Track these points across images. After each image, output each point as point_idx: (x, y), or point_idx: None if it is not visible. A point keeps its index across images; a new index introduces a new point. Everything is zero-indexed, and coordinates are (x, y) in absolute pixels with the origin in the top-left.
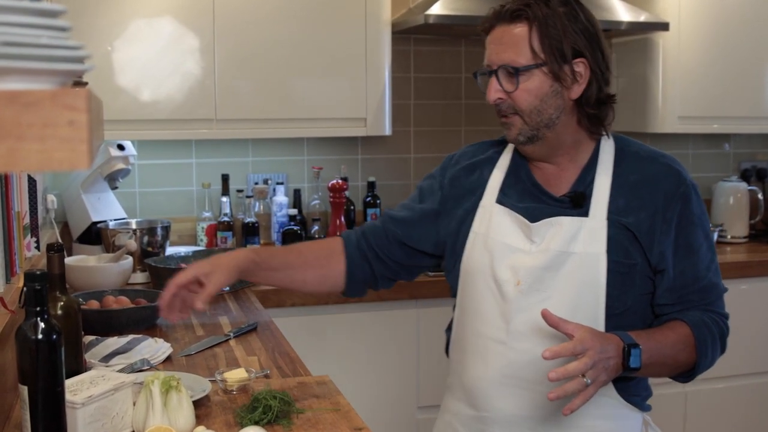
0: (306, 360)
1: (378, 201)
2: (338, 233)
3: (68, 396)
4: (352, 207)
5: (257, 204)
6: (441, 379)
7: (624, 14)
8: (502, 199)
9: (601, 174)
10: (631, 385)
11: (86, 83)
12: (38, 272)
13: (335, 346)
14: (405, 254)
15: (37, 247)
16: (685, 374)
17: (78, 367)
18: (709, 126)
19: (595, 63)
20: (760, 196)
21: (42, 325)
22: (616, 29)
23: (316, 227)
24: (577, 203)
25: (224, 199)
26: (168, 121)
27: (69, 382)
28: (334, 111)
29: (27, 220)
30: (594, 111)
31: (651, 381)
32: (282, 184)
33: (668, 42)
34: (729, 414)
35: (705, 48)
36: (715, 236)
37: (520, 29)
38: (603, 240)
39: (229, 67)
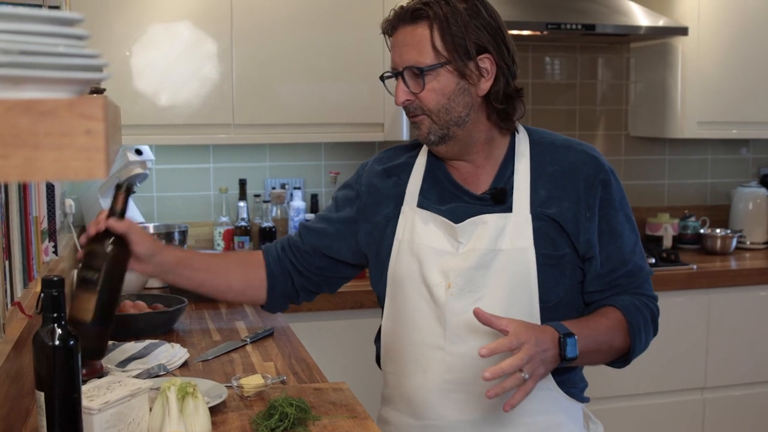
0: (322, 365)
1: None
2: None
3: (85, 402)
4: None
5: (274, 209)
6: None
7: (643, 19)
8: (423, 203)
9: (520, 168)
10: (569, 377)
11: (104, 90)
12: (55, 278)
13: (351, 352)
14: (326, 265)
15: (55, 252)
16: (621, 359)
17: (111, 308)
18: (728, 131)
19: (500, 58)
20: None
21: (59, 331)
22: (634, 34)
23: None
24: (498, 199)
25: (241, 203)
26: (186, 125)
27: (85, 388)
28: (351, 116)
29: (45, 224)
30: (503, 106)
31: (679, 387)
32: (299, 188)
33: (687, 47)
34: (748, 421)
35: (724, 53)
36: (734, 242)
37: (421, 29)
38: (529, 234)
39: (247, 72)
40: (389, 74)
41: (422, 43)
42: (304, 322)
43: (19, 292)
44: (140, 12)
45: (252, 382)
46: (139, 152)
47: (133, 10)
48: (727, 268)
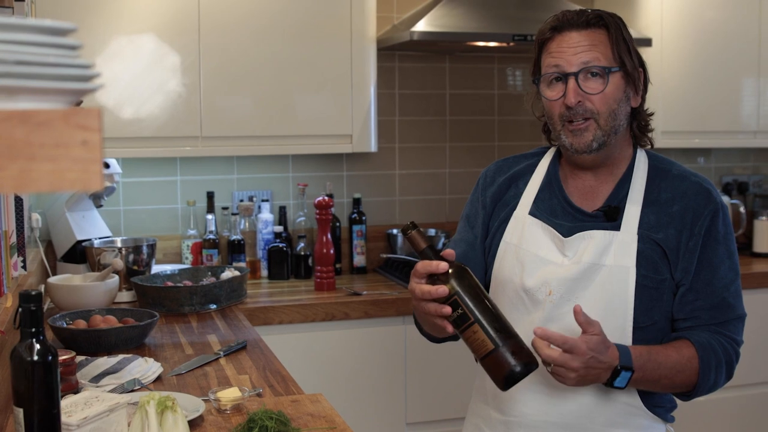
0: (295, 378)
1: (363, 218)
2: (324, 250)
3: (63, 418)
4: (337, 224)
5: (242, 221)
6: (429, 395)
7: None
8: (535, 212)
9: (635, 190)
10: (656, 396)
11: (81, 102)
12: (33, 293)
13: (322, 364)
14: None
15: (24, 267)
16: (685, 394)
17: (499, 323)
18: (690, 140)
19: (647, 71)
20: (741, 209)
21: (37, 346)
22: None
23: (302, 244)
24: (610, 217)
25: (209, 216)
26: (153, 138)
27: (64, 404)
28: (320, 128)
29: (14, 239)
30: (645, 121)
31: None
32: (267, 201)
33: (651, 58)
34: (716, 426)
35: (687, 63)
36: None
37: (598, 34)
38: (633, 254)
39: (214, 85)
40: (556, 74)
41: (602, 45)
42: (276, 334)
43: None
44: (108, 24)
45: (229, 395)
46: (106, 165)
47: (100, 22)
48: None
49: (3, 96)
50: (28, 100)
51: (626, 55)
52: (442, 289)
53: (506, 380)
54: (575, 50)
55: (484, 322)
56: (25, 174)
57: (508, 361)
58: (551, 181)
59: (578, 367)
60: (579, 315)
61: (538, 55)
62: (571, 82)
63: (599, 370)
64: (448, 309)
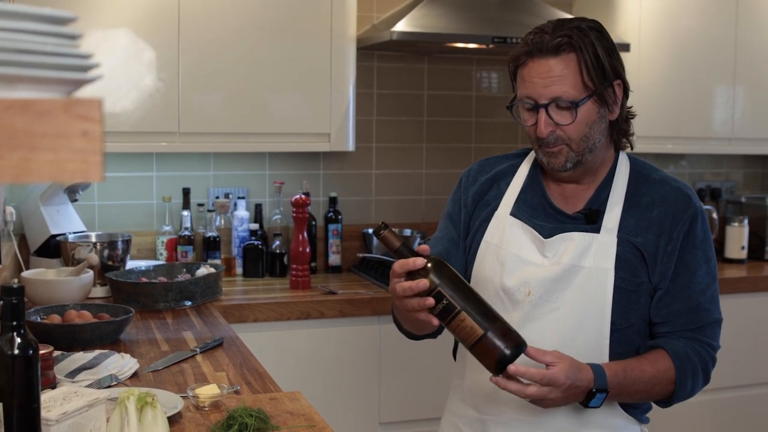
0: (271, 375)
1: (339, 217)
2: (301, 249)
3: (42, 413)
4: (313, 222)
5: (218, 218)
6: (402, 395)
7: None
8: (516, 213)
9: (616, 193)
10: None
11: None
12: (15, 285)
13: (297, 362)
14: None
15: None
16: (663, 401)
17: (484, 308)
18: (663, 146)
19: (625, 80)
20: (714, 215)
21: (18, 340)
22: None
23: (278, 242)
24: (591, 220)
25: (185, 212)
26: (130, 133)
27: (43, 399)
28: (298, 126)
29: None
30: (626, 127)
31: None
32: (243, 198)
33: (629, 63)
34: (689, 429)
35: (665, 69)
36: None
37: (568, 61)
38: (612, 256)
39: (193, 81)
40: (528, 105)
41: (571, 76)
42: (251, 332)
43: None
44: (86, 18)
45: (208, 392)
46: None
47: (80, 15)
48: None
49: (2, 84)
50: (26, 89)
51: (598, 76)
52: (423, 283)
53: (498, 364)
54: (545, 82)
55: (471, 309)
56: (25, 164)
57: (497, 345)
58: (533, 182)
59: (557, 398)
60: (542, 355)
61: (513, 75)
62: (542, 114)
63: (576, 394)
64: (431, 300)
